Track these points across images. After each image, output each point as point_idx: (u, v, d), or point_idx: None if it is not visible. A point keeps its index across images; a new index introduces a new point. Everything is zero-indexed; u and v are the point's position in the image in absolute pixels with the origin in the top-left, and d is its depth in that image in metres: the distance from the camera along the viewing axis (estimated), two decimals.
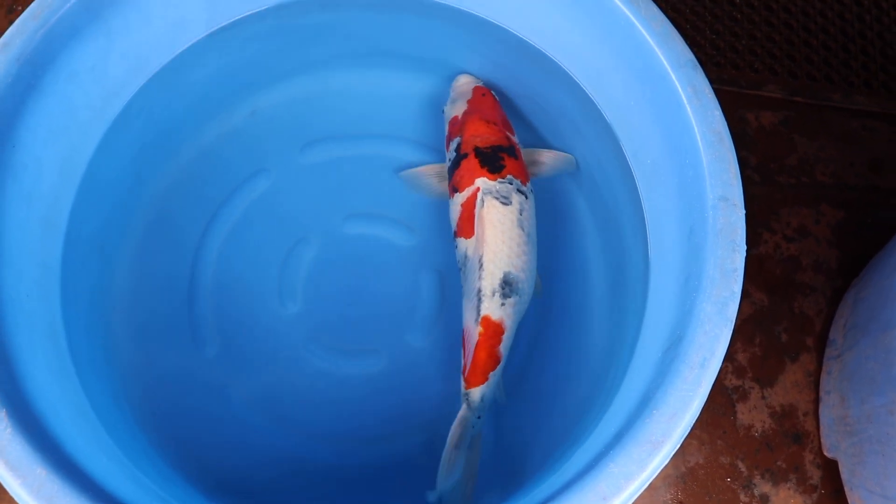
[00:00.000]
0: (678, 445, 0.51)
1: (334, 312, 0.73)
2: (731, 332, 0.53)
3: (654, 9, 0.61)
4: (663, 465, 0.50)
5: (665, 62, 0.59)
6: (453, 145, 0.69)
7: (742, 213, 0.56)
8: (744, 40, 0.89)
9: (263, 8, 0.70)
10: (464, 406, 0.62)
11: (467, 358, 0.62)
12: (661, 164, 0.62)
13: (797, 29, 0.89)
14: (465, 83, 0.73)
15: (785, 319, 0.79)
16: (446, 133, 0.72)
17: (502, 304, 0.62)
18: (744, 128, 0.85)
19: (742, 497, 0.73)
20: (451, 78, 0.75)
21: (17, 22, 0.58)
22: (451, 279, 0.74)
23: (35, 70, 0.59)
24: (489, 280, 0.62)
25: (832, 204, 0.84)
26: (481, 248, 0.62)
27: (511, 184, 0.65)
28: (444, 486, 0.62)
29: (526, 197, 0.66)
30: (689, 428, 0.51)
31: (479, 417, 0.62)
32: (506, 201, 0.64)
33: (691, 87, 0.59)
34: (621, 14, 0.61)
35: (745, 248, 0.55)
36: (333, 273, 0.73)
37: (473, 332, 0.62)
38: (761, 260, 0.81)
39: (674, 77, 0.59)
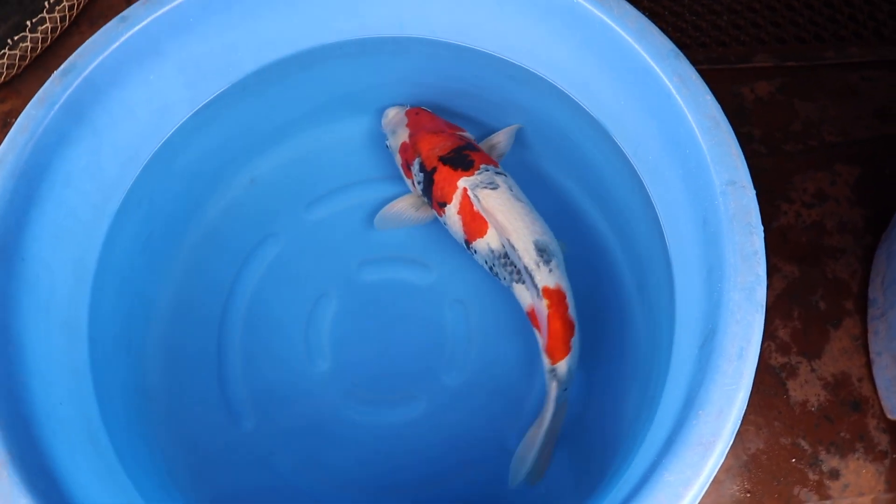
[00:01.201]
0: (731, 442, 0.49)
1: (365, 363, 0.72)
2: (763, 317, 0.51)
3: (627, 6, 0.60)
4: (719, 465, 0.48)
5: (647, 56, 0.59)
6: (416, 168, 0.70)
7: (752, 193, 0.54)
8: (725, 15, 0.88)
9: (243, 76, 0.70)
10: (553, 383, 0.62)
11: (544, 334, 0.62)
12: (663, 158, 0.61)
13: None
14: (395, 113, 0.74)
15: (820, 287, 0.77)
16: (400, 162, 0.72)
17: (550, 271, 0.62)
18: (741, 102, 0.84)
19: (811, 475, 0.71)
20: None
21: (6, 139, 0.59)
22: (475, 309, 0.73)
23: (31, 182, 0.60)
24: (527, 255, 0.62)
25: (846, 162, 0.82)
26: (504, 233, 0.63)
27: (488, 170, 0.66)
28: (527, 466, 0.62)
29: (505, 175, 0.67)
30: (739, 422, 0.50)
31: (565, 390, 0.63)
32: (493, 186, 0.65)
33: (677, 76, 0.58)
34: (595, 18, 0.60)
35: (762, 228, 0.54)
36: (358, 323, 0.73)
37: (540, 307, 0.62)
38: (784, 232, 0.79)
39: (658, 69, 0.58)
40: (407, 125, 0.72)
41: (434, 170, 0.68)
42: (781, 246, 0.79)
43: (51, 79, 0.61)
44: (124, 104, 0.65)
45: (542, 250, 0.63)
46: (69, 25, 0.91)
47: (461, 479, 0.68)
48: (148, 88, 0.66)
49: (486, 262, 0.66)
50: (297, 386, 0.72)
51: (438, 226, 0.75)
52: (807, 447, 0.72)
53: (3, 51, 0.85)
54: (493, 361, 0.71)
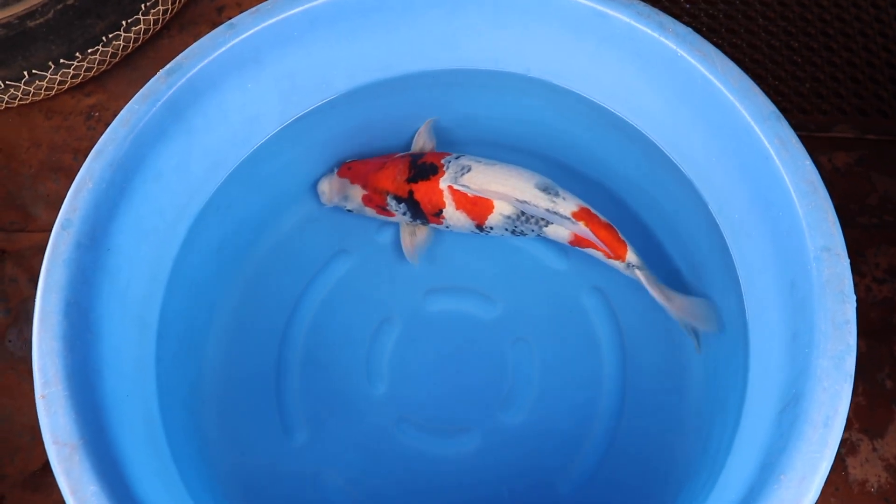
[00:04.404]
0: None
1: (423, 391, 0.72)
2: (851, 387, 0.51)
3: (731, 64, 0.61)
4: None
5: (748, 116, 0.59)
6: (392, 204, 0.71)
7: (847, 262, 0.54)
8: (807, 83, 0.88)
9: (335, 95, 0.71)
10: (637, 272, 0.67)
11: (599, 246, 0.67)
12: (751, 218, 0.61)
13: (861, 66, 0.88)
14: (329, 183, 0.74)
15: (887, 365, 0.76)
16: (375, 212, 0.73)
17: (564, 199, 0.68)
18: (818, 171, 0.84)
19: None
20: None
21: (108, 130, 0.60)
22: (538, 348, 0.72)
23: (126, 174, 0.61)
24: (540, 200, 0.67)
25: None
26: (509, 197, 0.67)
27: (450, 161, 0.70)
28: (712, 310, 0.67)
29: (463, 154, 0.71)
30: (819, 492, 0.49)
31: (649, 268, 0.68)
32: (468, 168, 0.69)
33: (778, 139, 0.58)
34: (697, 73, 0.61)
35: (854, 298, 0.53)
36: (420, 351, 0.73)
37: (580, 229, 0.67)
38: None
39: (758, 130, 0.59)
40: (352, 182, 0.73)
41: (411, 193, 0.70)
42: None
43: (156, 76, 0.63)
44: (220, 109, 0.66)
45: (545, 189, 0.68)
46: (161, 28, 0.93)
47: None
48: (244, 96, 0.67)
49: (507, 229, 0.69)
50: (353, 405, 0.71)
51: (508, 259, 0.75)
52: None
53: (97, 47, 0.87)
54: (551, 404, 0.71)
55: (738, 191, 0.62)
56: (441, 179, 0.69)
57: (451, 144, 0.77)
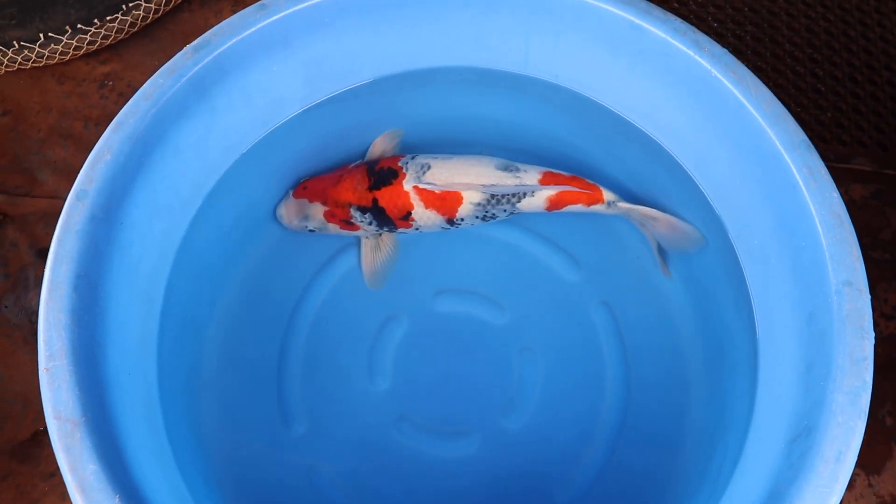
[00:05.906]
0: None
1: (425, 391, 0.71)
2: (864, 424, 0.51)
3: (764, 89, 0.60)
4: None
5: (778, 143, 0.59)
6: (357, 216, 0.70)
7: (868, 298, 0.54)
8: (829, 112, 0.87)
9: (358, 84, 0.71)
10: (620, 205, 0.70)
11: (581, 197, 0.69)
12: (771, 246, 0.61)
13: (884, 100, 0.88)
14: (286, 206, 0.72)
15: (889, 402, 0.75)
16: (339, 227, 0.72)
17: (526, 171, 0.69)
18: None
19: None
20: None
21: (130, 102, 0.59)
22: (543, 358, 0.72)
23: (145, 148, 0.60)
24: (505, 179, 0.68)
25: None
26: (478, 183, 0.68)
27: (408, 163, 0.70)
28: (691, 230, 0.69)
29: (418, 154, 0.71)
30: None
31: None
32: (427, 166, 0.69)
33: (806, 168, 0.57)
34: (730, 95, 0.60)
35: (873, 335, 0.53)
36: (424, 351, 0.72)
37: (555, 190, 0.69)
38: None
39: (787, 158, 0.58)
40: (310, 201, 0.71)
41: (375, 201, 0.69)
42: None
43: (183, 52, 0.62)
44: (244, 89, 0.66)
45: (506, 168, 0.69)
46: (182, 2, 0.92)
47: None
48: (269, 78, 0.66)
49: (478, 216, 0.70)
50: (354, 400, 0.70)
51: (519, 267, 0.75)
52: None
53: (115, 15, 0.86)
54: (553, 414, 0.70)
55: (761, 217, 0.61)
56: (404, 182, 0.68)
57: (459, 144, 0.76)
